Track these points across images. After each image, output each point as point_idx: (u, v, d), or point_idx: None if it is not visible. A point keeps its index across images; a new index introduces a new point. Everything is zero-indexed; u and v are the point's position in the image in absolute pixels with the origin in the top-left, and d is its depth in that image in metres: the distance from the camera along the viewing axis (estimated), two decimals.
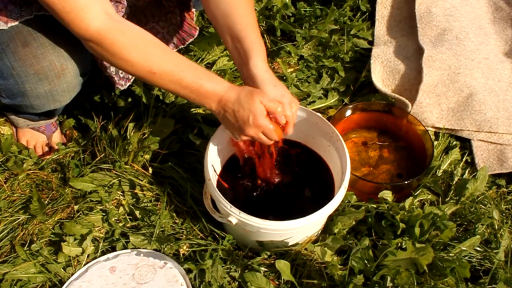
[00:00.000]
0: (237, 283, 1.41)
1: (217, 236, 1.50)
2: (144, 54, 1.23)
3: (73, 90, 1.49)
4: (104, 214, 1.55)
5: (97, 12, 1.18)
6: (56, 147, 1.75)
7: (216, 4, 1.35)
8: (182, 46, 1.74)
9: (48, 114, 1.70)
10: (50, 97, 1.45)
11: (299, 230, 1.35)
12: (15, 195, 1.62)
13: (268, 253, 1.45)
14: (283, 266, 1.37)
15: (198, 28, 1.68)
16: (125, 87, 1.62)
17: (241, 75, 1.36)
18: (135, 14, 1.56)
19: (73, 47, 1.39)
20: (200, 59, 1.96)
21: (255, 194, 1.50)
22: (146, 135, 1.64)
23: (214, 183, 1.38)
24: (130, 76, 1.62)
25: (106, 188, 1.58)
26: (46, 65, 1.37)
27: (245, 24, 1.32)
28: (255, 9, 2.06)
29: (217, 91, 1.26)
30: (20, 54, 1.34)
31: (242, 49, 1.32)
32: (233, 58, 1.38)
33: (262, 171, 1.50)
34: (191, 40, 1.71)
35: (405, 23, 2.13)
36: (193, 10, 1.64)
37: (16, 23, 1.32)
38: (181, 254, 1.48)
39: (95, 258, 1.48)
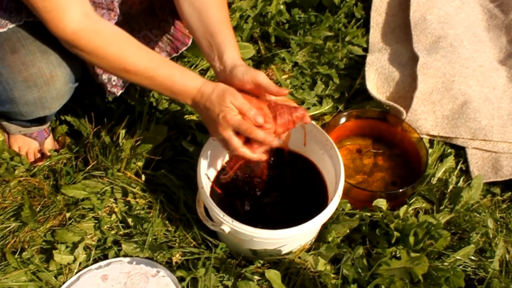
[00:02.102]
0: None
1: (210, 244, 1.49)
2: (118, 51, 1.25)
3: (62, 98, 1.47)
4: (96, 221, 1.54)
5: (75, 14, 1.20)
6: (49, 154, 1.73)
7: (191, 2, 1.38)
8: (176, 54, 1.73)
9: (40, 121, 1.69)
10: (39, 104, 1.44)
11: (293, 239, 1.34)
12: (6, 202, 1.61)
13: (262, 261, 1.44)
14: (273, 275, 1.36)
15: (191, 36, 1.67)
16: (117, 95, 1.61)
17: (214, 71, 1.37)
18: (128, 22, 1.55)
19: (63, 54, 1.38)
20: (194, 66, 1.96)
21: (248, 202, 1.49)
22: (139, 142, 1.63)
23: (207, 191, 1.38)
24: (122, 84, 1.61)
25: (99, 195, 1.57)
26: (35, 72, 1.35)
27: (218, 20, 1.35)
28: (250, 15, 2.06)
29: (190, 88, 1.27)
30: (8, 61, 1.33)
31: (215, 44, 1.33)
32: (205, 55, 1.39)
33: (256, 179, 1.49)
34: (184, 48, 1.70)
35: (400, 30, 2.13)
36: None
37: (5, 29, 1.31)
38: (173, 262, 1.47)
39: (87, 266, 1.46)
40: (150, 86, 1.31)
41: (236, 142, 1.24)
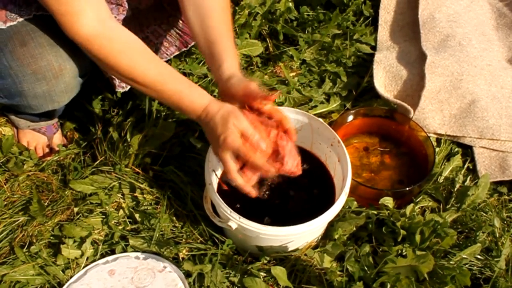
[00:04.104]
0: None
1: (216, 241, 1.50)
2: (128, 61, 1.25)
3: (71, 91, 1.48)
4: (104, 216, 1.54)
5: (89, 18, 1.20)
6: (57, 149, 1.75)
7: (195, 9, 1.38)
8: (185, 49, 1.74)
9: (48, 115, 1.70)
10: (48, 97, 1.44)
11: (299, 236, 1.35)
12: (15, 196, 1.62)
13: (268, 258, 1.44)
14: (279, 272, 1.36)
15: None
16: (126, 89, 1.62)
17: (215, 79, 1.37)
18: (137, 17, 1.56)
19: (72, 48, 1.39)
20: (202, 62, 1.96)
21: (255, 199, 1.49)
22: (147, 138, 1.63)
23: (215, 188, 1.38)
24: None
25: (106, 190, 1.58)
26: (44, 65, 1.36)
27: (220, 29, 1.36)
28: (258, 13, 2.07)
29: (196, 106, 1.27)
30: (17, 54, 1.34)
31: (215, 53, 1.34)
32: (207, 62, 1.40)
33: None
34: (193, 43, 1.71)
35: (408, 28, 2.13)
36: None
37: (15, 22, 1.32)
38: (180, 258, 1.47)
39: (94, 261, 1.47)
40: (158, 98, 1.32)
41: (231, 166, 1.22)
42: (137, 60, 1.26)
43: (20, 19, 1.33)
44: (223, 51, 1.33)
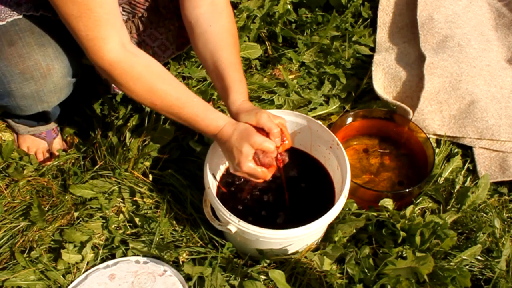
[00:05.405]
0: None
1: (216, 244, 1.50)
2: (148, 87, 1.28)
3: (60, 91, 1.47)
4: (104, 221, 1.55)
5: (114, 44, 1.23)
6: (57, 154, 1.75)
7: (204, 43, 1.42)
8: (182, 52, 1.74)
9: (45, 119, 1.70)
10: (37, 97, 1.44)
11: (299, 239, 1.35)
12: (15, 201, 1.62)
13: (268, 261, 1.44)
14: (277, 275, 1.36)
15: None
16: (119, 93, 1.62)
17: (227, 109, 1.41)
18: (133, 21, 1.56)
19: (60, 47, 1.39)
20: (201, 66, 1.96)
21: (255, 202, 1.49)
22: (146, 142, 1.64)
23: (214, 192, 1.38)
24: None
25: (106, 195, 1.58)
26: (32, 65, 1.36)
27: (228, 63, 1.39)
28: (257, 15, 2.07)
29: (212, 129, 1.32)
30: (5, 54, 1.34)
31: (224, 87, 1.38)
32: (218, 93, 1.45)
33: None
34: (189, 46, 1.71)
35: (407, 29, 2.13)
36: None
37: (4, 23, 1.32)
38: (180, 262, 1.47)
39: (94, 265, 1.47)
40: (175, 120, 1.35)
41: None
42: (155, 85, 1.29)
43: (10, 19, 1.33)
44: (230, 85, 1.37)
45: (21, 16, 1.34)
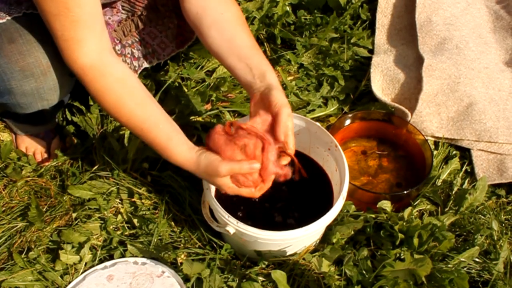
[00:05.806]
0: None
1: (215, 245, 1.50)
2: (115, 101, 1.26)
3: (60, 89, 1.47)
4: (102, 222, 1.55)
5: (90, 48, 1.21)
6: (55, 154, 1.75)
7: (219, 31, 1.37)
8: (182, 50, 1.74)
9: (44, 120, 1.70)
10: (37, 95, 1.43)
11: (297, 240, 1.35)
12: (13, 202, 1.62)
13: (266, 262, 1.44)
14: (279, 276, 1.36)
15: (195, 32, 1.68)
16: None
17: (249, 89, 1.34)
18: (132, 19, 1.56)
19: None
20: (200, 67, 1.96)
21: (253, 203, 1.49)
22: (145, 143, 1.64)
23: (212, 193, 1.38)
24: None
25: (105, 196, 1.58)
26: (32, 62, 1.36)
27: (251, 45, 1.36)
28: (256, 17, 2.07)
29: (174, 162, 1.29)
30: (5, 51, 1.34)
31: (254, 64, 1.33)
32: (240, 76, 1.36)
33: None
34: (189, 43, 1.71)
35: (406, 31, 2.13)
36: None
37: (4, 20, 1.32)
38: (178, 263, 1.47)
39: (92, 266, 1.47)
40: (142, 140, 1.33)
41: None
42: (123, 101, 1.27)
43: (10, 17, 1.33)
44: (262, 62, 1.33)
45: (21, 14, 1.34)
